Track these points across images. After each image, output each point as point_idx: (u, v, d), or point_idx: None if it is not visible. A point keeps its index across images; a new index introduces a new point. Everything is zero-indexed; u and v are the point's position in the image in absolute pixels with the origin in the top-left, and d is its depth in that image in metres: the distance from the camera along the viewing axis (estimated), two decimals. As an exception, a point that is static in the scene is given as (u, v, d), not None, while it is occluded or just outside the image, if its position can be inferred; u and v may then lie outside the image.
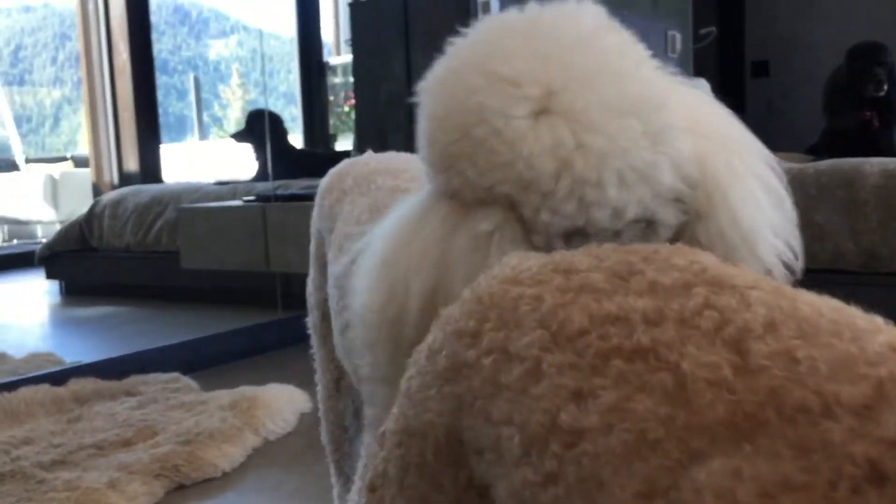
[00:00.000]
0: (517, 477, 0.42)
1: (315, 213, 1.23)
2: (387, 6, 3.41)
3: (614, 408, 0.38)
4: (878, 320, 0.38)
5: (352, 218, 1.08)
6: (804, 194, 2.59)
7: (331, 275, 1.10)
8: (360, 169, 1.17)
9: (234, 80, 11.02)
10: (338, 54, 6.74)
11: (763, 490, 0.31)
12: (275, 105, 7.53)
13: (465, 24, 3.20)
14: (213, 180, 4.29)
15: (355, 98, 3.63)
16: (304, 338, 3.17)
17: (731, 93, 5.59)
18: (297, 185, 3.80)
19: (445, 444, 0.48)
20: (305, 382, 2.38)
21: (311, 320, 1.29)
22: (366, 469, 0.61)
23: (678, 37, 4.56)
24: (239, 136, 4.37)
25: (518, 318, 0.46)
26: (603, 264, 0.47)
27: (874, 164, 2.55)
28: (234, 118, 10.13)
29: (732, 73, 5.71)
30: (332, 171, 1.23)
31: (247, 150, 4.38)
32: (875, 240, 2.46)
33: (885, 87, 2.97)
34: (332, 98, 6.15)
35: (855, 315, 0.40)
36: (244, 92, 10.67)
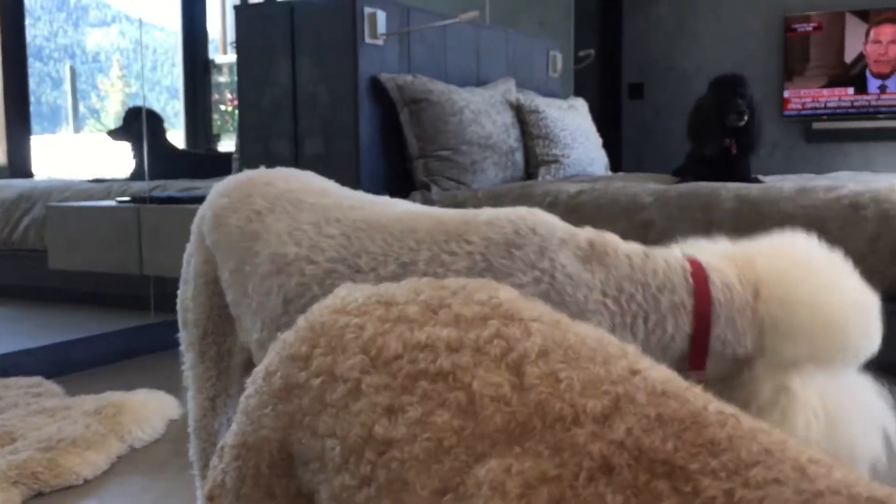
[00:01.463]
0: (337, 482, 0.48)
1: (209, 229, 1.22)
2: (273, 13, 3.41)
3: (419, 421, 0.45)
4: (628, 348, 0.46)
5: (290, 238, 1.10)
6: (667, 215, 2.76)
7: (263, 298, 1.10)
8: (268, 190, 1.18)
9: (115, 71, 10.63)
10: (224, 52, 6.62)
11: (526, 482, 0.39)
12: (157, 100, 7.31)
13: (351, 34, 3.27)
14: (86, 177, 4.15)
15: (238, 102, 3.60)
16: (175, 343, 3.11)
17: (608, 113, 5.84)
18: (175, 187, 3.73)
19: (278, 458, 0.53)
20: (176, 388, 2.35)
21: (187, 337, 1.28)
22: (205, 481, 0.65)
23: (559, 57, 4.73)
24: (116, 134, 4.25)
25: (344, 344, 0.53)
26: (419, 297, 0.54)
27: (730, 189, 2.74)
28: (114, 111, 9.76)
29: (610, 95, 5.95)
30: (228, 190, 1.23)
31: (124, 147, 4.26)
32: (728, 260, 2.63)
33: (746, 117, 3.18)
34: (216, 96, 6.04)
35: (610, 343, 0.48)
36: (124, 84, 10.30)
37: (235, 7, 3.65)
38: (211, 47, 6.14)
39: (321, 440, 0.50)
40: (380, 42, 3.31)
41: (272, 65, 3.41)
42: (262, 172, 1.27)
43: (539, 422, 0.42)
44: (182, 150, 4.86)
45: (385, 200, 1.22)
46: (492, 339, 0.48)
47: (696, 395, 0.41)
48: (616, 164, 5.52)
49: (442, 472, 0.43)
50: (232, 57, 5.96)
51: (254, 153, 3.51)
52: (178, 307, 1.26)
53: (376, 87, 3.32)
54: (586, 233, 1.07)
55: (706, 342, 0.99)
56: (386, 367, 0.49)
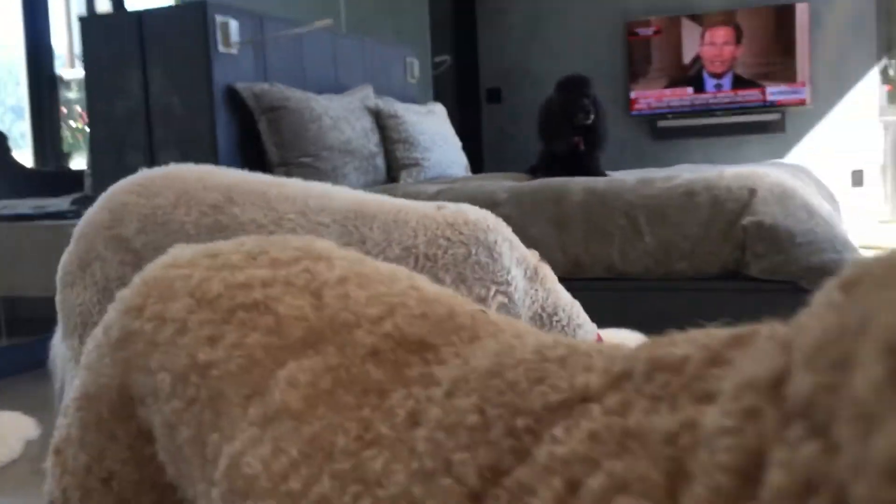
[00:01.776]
0: (167, 408, 0.54)
1: (137, 230, 1.21)
2: (120, 23, 3.34)
3: (235, 344, 0.53)
4: (416, 275, 0.54)
5: (280, 228, 1.19)
6: (521, 209, 2.88)
7: None
8: (196, 185, 1.20)
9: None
10: (72, 66, 6.37)
11: (314, 372, 0.48)
12: (1, 119, 6.95)
13: (203, 43, 3.26)
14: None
15: (88, 115, 3.50)
16: (30, 365, 3.01)
17: (468, 118, 5.99)
18: (24, 205, 3.58)
19: (118, 402, 0.59)
20: (32, 409, 2.27)
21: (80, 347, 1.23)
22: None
23: (416, 63, 4.83)
24: (-45, 153, 4.03)
25: (173, 291, 0.59)
26: (242, 248, 0.62)
27: (578, 183, 2.90)
28: (-47, 132, 9.20)
29: (469, 100, 6.12)
30: (140, 189, 1.23)
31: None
32: (579, 250, 2.79)
33: (592, 116, 3.36)
34: (65, 111, 5.80)
35: (401, 271, 0.58)
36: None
37: (81, 18, 3.54)
38: (57, 62, 5.89)
39: (153, 375, 0.56)
40: (234, 51, 3.30)
41: (122, 76, 3.34)
42: (163, 170, 1.27)
43: (329, 330, 0.50)
44: (30, 169, 4.65)
45: (331, 188, 1.33)
46: (299, 273, 0.56)
47: (460, 301, 0.49)
48: (478, 167, 5.68)
49: (251, 380, 0.50)
50: (80, 72, 5.74)
51: (107, 167, 3.42)
52: (65, 315, 1.22)
53: (232, 96, 3.31)
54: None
55: None
56: (209, 305, 0.56)
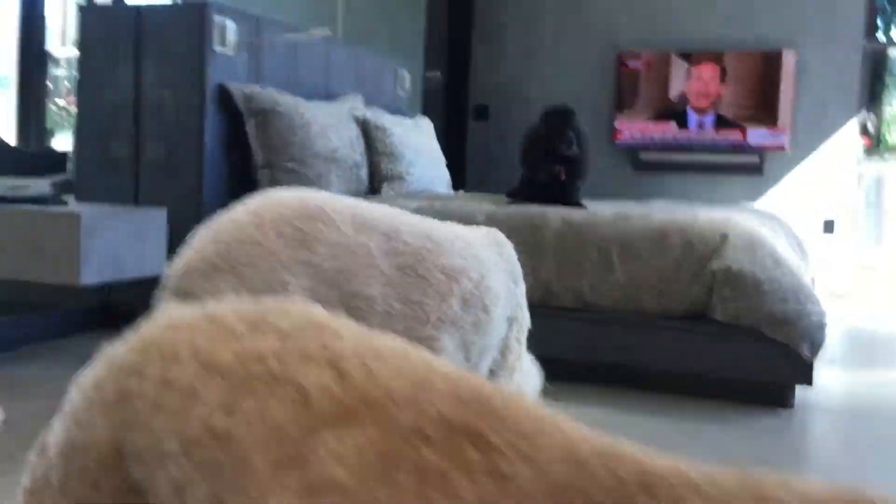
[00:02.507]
0: (175, 470, 0.55)
1: (292, 277, 1.14)
2: (118, 14, 3.35)
3: (256, 413, 0.53)
4: (415, 349, 0.59)
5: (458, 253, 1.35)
6: (498, 234, 2.93)
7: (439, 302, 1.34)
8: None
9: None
10: (63, 44, 6.35)
11: (359, 450, 0.49)
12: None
13: (199, 41, 3.30)
14: None
15: (77, 101, 3.50)
16: (-1, 346, 2.99)
17: (455, 133, 6.05)
18: (2, 185, 3.57)
19: (108, 455, 0.60)
20: (-2, 392, 2.28)
21: None
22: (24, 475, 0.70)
23: (407, 76, 4.88)
24: (-61, 125, 4.00)
25: (176, 356, 0.59)
26: (241, 314, 0.62)
27: (556, 213, 2.96)
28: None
29: (457, 116, 6.17)
30: (279, 231, 1.13)
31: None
32: (551, 278, 2.84)
33: (574, 148, 3.42)
34: (51, 88, 5.78)
35: (403, 344, 0.60)
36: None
37: (80, 7, 3.55)
38: (47, 37, 5.86)
39: (157, 437, 0.57)
40: (229, 51, 3.33)
41: (115, 67, 3.35)
42: (298, 194, 1.24)
43: (362, 405, 0.52)
44: (12, 146, 4.63)
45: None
46: (311, 345, 0.57)
47: (477, 378, 0.56)
48: (460, 182, 5.73)
49: (281, 449, 0.51)
50: (71, 50, 5.73)
51: (91, 154, 3.44)
52: None
53: (223, 95, 3.34)
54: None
55: None
56: (220, 373, 0.57)
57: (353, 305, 1.17)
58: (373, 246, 1.23)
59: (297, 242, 1.13)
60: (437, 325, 1.24)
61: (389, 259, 1.23)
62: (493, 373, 1.41)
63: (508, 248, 1.48)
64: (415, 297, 1.23)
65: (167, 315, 0.66)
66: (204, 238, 1.11)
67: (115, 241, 2.72)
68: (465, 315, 1.27)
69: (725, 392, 2.64)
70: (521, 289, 1.47)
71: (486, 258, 1.37)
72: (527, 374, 1.50)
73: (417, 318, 1.24)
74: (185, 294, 1.06)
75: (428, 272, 1.25)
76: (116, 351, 0.65)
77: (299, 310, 0.63)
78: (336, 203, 1.25)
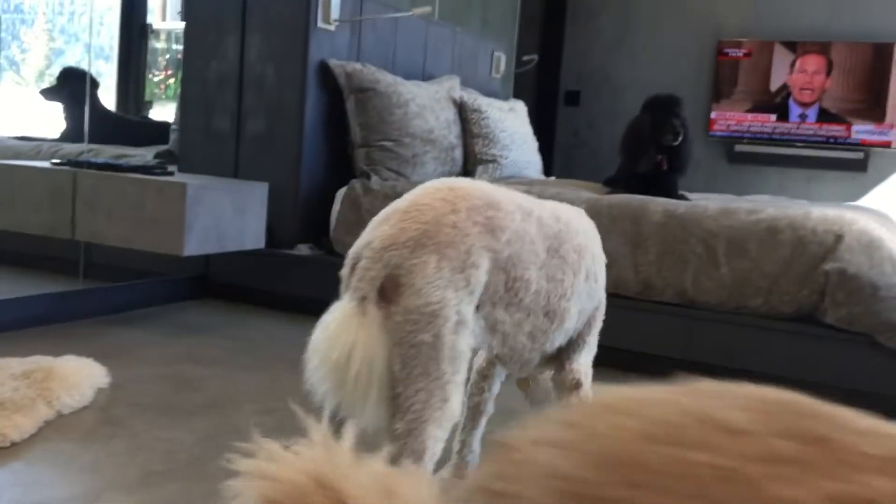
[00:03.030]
0: None
1: (482, 261, 1.24)
2: (228, -13, 3.38)
3: None
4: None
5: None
6: (598, 224, 2.86)
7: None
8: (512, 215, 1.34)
9: (40, 24, 10.23)
10: (163, 19, 6.47)
11: None
12: (85, 59, 7.10)
13: (304, 17, 3.31)
14: (9, 133, 4.02)
15: (182, 73, 3.55)
16: (103, 311, 3.10)
17: (544, 117, 5.97)
18: (108, 153, 3.66)
19: None
20: (104, 356, 2.34)
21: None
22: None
23: (503, 58, 4.82)
24: (49, 94, 4.13)
25: (673, 489, 0.39)
26: (773, 425, 0.41)
27: (658, 204, 2.87)
28: (36, 66, 9.40)
29: (547, 100, 6.08)
30: (475, 220, 1.25)
31: (52, 105, 4.14)
32: (651, 272, 2.76)
33: (680, 137, 3.32)
34: (149, 60, 5.90)
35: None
36: (49, 39, 9.93)
37: (187, -23, 3.60)
38: (148, 12, 5.98)
39: None
40: (332, 28, 3.33)
41: (220, 39, 3.39)
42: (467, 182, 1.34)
43: None
44: (116, 115, 4.75)
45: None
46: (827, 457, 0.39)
47: None
48: (548, 168, 5.65)
49: None
50: (171, 24, 5.83)
51: (194, 126, 3.49)
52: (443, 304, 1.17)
53: (324, 72, 3.34)
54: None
55: None
56: None
57: (514, 287, 1.29)
58: (533, 232, 1.33)
59: (487, 230, 1.23)
60: (569, 298, 1.40)
61: (542, 243, 1.35)
62: (583, 332, 1.53)
63: (593, 224, 1.60)
64: (558, 275, 1.37)
65: (628, 414, 0.44)
66: (402, 218, 1.20)
67: (218, 213, 2.76)
68: (585, 286, 1.44)
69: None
70: (602, 257, 1.59)
71: (592, 233, 1.53)
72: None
73: (557, 294, 1.37)
74: (393, 266, 1.15)
75: (566, 253, 1.39)
76: (562, 464, 0.42)
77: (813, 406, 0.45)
78: (506, 192, 1.35)
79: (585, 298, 1.45)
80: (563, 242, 1.39)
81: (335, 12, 3.30)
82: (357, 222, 3.23)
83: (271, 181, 3.19)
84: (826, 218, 2.65)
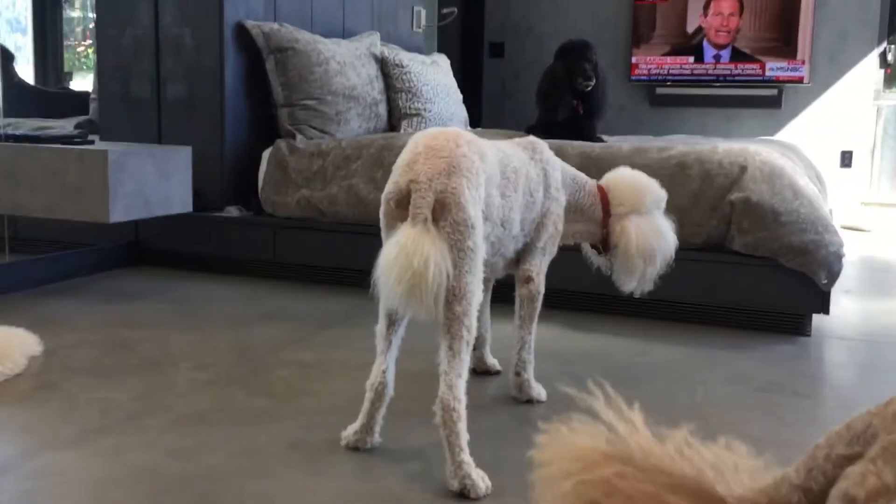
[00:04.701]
0: None
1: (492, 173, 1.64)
2: (136, -49, 3.34)
3: None
4: None
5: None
6: (518, 169, 2.95)
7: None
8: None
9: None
10: (76, -13, 6.29)
11: None
12: (1, 33, 6.88)
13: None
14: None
15: (97, 41, 3.51)
16: (33, 283, 3.09)
17: (470, 70, 6.02)
18: (28, 125, 3.62)
19: None
20: (36, 326, 2.36)
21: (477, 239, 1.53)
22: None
23: (423, 13, 4.84)
24: (-40, 67, 4.03)
25: None
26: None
27: (574, 147, 2.97)
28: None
29: (472, 53, 6.13)
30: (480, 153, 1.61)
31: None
32: (571, 212, 2.87)
33: (592, 81, 3.41)
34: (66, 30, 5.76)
35: None
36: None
37: (95, -57, 3.54)
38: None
39: None
40: (246, -12, 3.32)
41: (134, 5, 3.36)
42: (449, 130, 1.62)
43: None
44: (34, 87, 4.66)
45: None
46: None
47: None
48: (476, 120, 5.72)
49: None
50: (85, -8, 5.69)
51: (113, 94, 3.46)
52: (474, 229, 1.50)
53: (242, 33, 3.34)
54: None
55: (607, 209, 1.97)
56: None
57: (490, 203, 1.62)
58: (494, 158, 1.66)
59: (480, 157, 1.58)
60: (514, 210, 1.73)
61: (497, 166, 1.66)
62: (534, 238, 1.86)
63: (540, 147, 1.88)
64: (507, 192, 1.69)
65: None
66: (428, 156, 1.51)
67: (141, 179, 2.77)
68: (523, 199, 1.76)
69: (745, 321, 2.69)
70: (557, 175, 1.89)
71: (526, 160, 1.81)
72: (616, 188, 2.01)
73: (508, 206, 1.70)
74: (438, 192, 1.47)
75: (510, 173, 1.71)
76: None
77: None
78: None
79: (525, 209, 1.77)
80: (506, 165, 1.69)
81: (248, -28, 3.29)
82: (284, 181, 3.27)
83: (195, 145, 3.21)
84: (731, 151, 2.78)
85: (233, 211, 3.35)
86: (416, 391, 1.95)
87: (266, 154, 3.36)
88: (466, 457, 1.44)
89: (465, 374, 1.49)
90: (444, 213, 1.46)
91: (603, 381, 1.07)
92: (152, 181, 2.81)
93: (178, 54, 3.32)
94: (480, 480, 1.44)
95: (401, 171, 1.53)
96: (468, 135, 1.61)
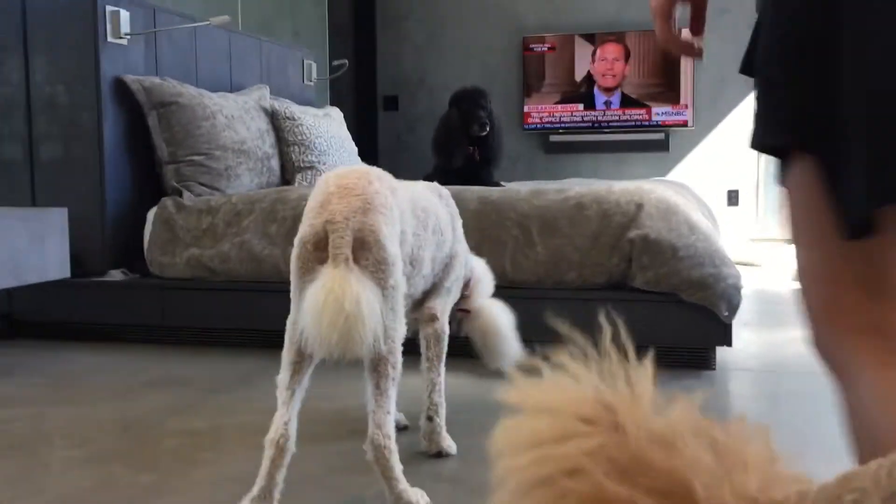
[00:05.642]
0: None
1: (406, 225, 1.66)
2: (1, 7, 3.16)
3: None
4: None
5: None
6: (416, 217, 2.89)
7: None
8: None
9: None
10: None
11: None
12: None
13: (92, 32, 3.16)
14: None
15: (-38, 100, 3.30)
16: None
17: (365, 124, 5.98)
18: None
19: None
20: None
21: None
22: None
23: (314, 66, 4.79)
24: None
25: None
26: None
27: (473, 192, 2.94)
28: None
29: (366, 107, 6.11)
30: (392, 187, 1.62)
31: None
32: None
33: (487, 128, 3.42)
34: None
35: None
36: None
37: (-44, -3, 3.34)
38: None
39: None
40: (124, 42, 3.19)
41: (1, 64, 3.17)
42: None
43: None
44: None
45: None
46: None
47: None
48: (372, 173, 5.65)
49: None
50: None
51: (-19, 157, 3.24)
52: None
53: (121, 88, 3.20)
54: None
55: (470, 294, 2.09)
56: None
57: (403, 241, 1.60)
58: (405, 196, 1.67)
59: (392, 193, 1.58)
60: (424, 248, 1.72)
61: (408, 204, 1.66)
62: (441, 278, 1.86)
63: (445, 193, 1.92)
64: (418, 230, 1.69)
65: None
66: (342, 196, 1.48)
67: (11, 244, 2.57)
68: (433, 238, 1.76)
69: (645, 357, 2.67)
70: (459, 222, 1.95)
71: (435, 199, 1.84)
72: (481, 281, 2.11)
73: (417, 244, 1.68)
74: (356, 230, 1.44)
75: (418, 212, 1.71)
76: None
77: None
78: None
79: (435, 248, 1.77)
80: (416, 204, 1.71)
81: (125, 26, 3.16)
82: (171, 241, 3.10)
83: (74, 207, 3.02)
84: (627, 190, 2.80)
85: (116, 275, 3.15)
86: (316, 452, 1.82)
87: (151, 213, 3.19)
88: (404, 485, 1.47)
89: (393, 409, 1.50)
90: (364, 252, 1.44)
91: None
92: (24, 246, 2.61)
93: (53, 113, 3.14)
94: (420, 498, 1.49)
95: (315, 212, 1.49)
96: (378, 171, 1.61)
